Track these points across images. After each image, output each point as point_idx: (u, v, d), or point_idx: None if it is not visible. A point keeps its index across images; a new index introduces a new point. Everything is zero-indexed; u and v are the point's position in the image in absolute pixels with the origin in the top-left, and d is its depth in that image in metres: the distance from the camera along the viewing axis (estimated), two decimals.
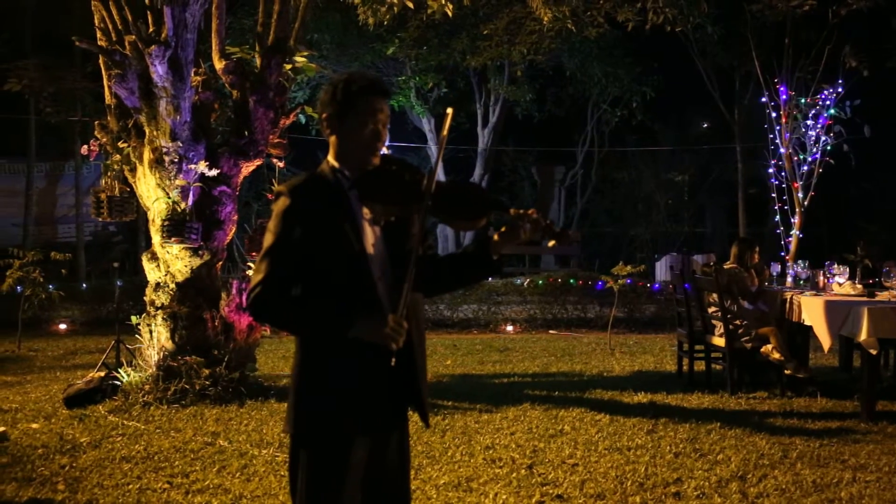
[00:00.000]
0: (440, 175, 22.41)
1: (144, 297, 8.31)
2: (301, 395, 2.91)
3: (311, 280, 2.85)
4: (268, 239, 2.85)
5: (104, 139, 8.50)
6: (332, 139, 2.98)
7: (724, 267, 8.53)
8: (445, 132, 3.01)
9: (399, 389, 2.94)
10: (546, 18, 11.05)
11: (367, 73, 3.13)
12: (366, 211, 2.88)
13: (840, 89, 13.34)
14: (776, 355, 8.02)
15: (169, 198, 7.95)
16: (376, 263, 2.90)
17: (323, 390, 2.86)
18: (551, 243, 2.95)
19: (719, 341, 8.28)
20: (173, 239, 7.83)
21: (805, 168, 13.55)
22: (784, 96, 13.61)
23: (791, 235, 13.68)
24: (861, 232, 18.17)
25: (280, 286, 2.82)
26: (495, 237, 2.95)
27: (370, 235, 2.90)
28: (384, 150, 3.01)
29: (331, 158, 2.99)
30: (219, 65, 8.28)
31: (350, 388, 2.84)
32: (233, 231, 8.44)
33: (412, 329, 2.92)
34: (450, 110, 2.93)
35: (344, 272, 2.85)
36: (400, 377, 2.92)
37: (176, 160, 7.89)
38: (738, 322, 8.21)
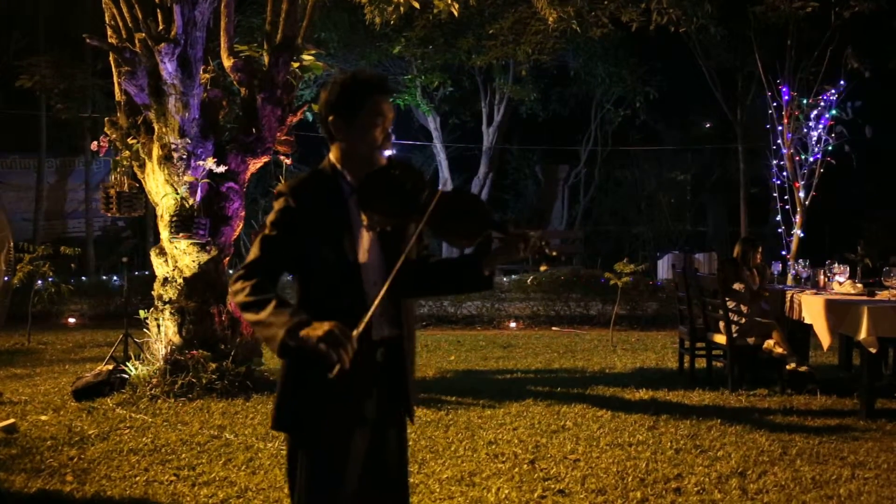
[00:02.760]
0: (444, 172, 22.45)
1: (152, 292, 8.38)
2: (289, 393, 2.89)
3: (305, 281, 2.85)
4: (264, 231, 2.84)
5: (114, 135, 8.56)
6: (339, 141, 2.92)
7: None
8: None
9: (390, 386, 2.94)
10: (551, 19, 11.11)
11: (372, 72, 3.04)
12: (363, 216, 2.84)
13: (842, 90, 13.39)
14: (779, 350, 8.08)
15: (177, 194, 8.02)
16: (370, 270, 2.87)
17: (310, 388, 2.82)
18: (543, 268, 2.96)
19: (720, 339, 8.34)
20: (181, 234, 7.89)
21: (806, 168, 13.59)
22: (786, 97, 13.64)
23: (792, 235, 13.72)
24: (861, 232, 18.18)
25: (263, 271, 2.77)
26: (489, 253, 2.94)
27: (366, 241, 2.87)
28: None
29: (334, 160, 2.94)
30: (227, 63, 8.34)
31: (336, 384, 2.70)
32: (240, 227, 8.50)
33: (403, 332, 2.95)
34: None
35: (336, 278, 2.83)
36: (388, 375, 2.92)
37: (184, 157, 7.95)
38: (739, 318, 8.26)
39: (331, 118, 2.90)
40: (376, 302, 2.69)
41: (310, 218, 2.81)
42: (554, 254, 2.93)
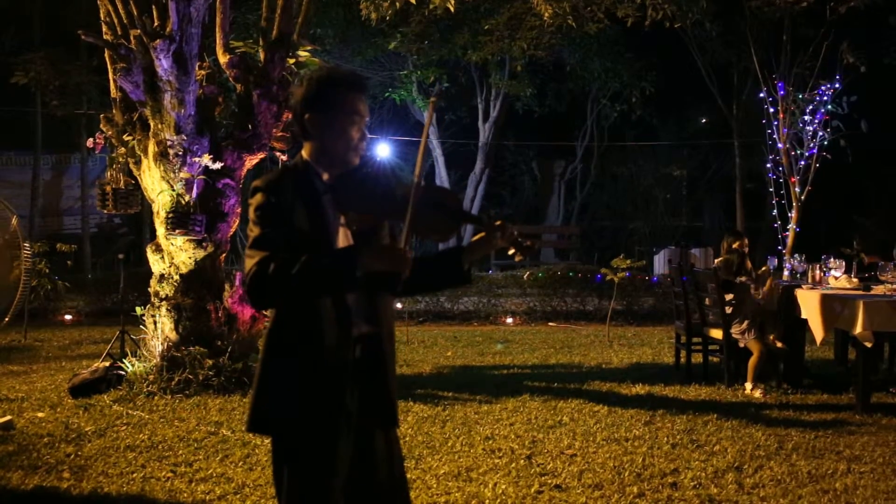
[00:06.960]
0: (439, 171, 22.44)
1: (149, 289, 8.37)
2: (264, 392, 2.84)
3: None
4: (254, 231, 2.77)
5: (109, 132, 8.54)
6: (314, 138, 2.92)
7: (716, 261, 8.58)
8: (427, 126, 2.97)
9: (370, 385, 2.89)
10: (546, 14, 11.11)
11: (348, 70, 3.03)
12: (339, 215, 2.83)
13: (838, 85, 13.39)
14: (780, 344, 8.08)
15: (173, 190, 8.01)
16: None
17: (287, 386, 2.80)
18: (518, 258, 2.97)
19: (717, 333, 8.34)
20: (177, 231, 7.88)
21: (802, 163, 13.60)
22: (782, 92, 13.65)
23: (788, 230, 13.73)
24: (857, 226, 18.21)
25: (277, 261, 2.68)
26: (467, 246, 2.95)
27: (342, 239, 2.85)
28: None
29: (307, 157, 2.92)
30: (223, 59, 8.33)
31: (313, 380, 2.77)
32: (236, 223, 8.48)
33: (381, 330, 2.90)
34: (432, 100, 2.86)
35: None
36: (367, 372, 2.87)
37: (180, 153, 7.94)
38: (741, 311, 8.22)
39: (307, 116, 2.89)
40: (407, 225, 2.72)
41: (287, 213, 2.78)
42: (528, 243, 2.93)
